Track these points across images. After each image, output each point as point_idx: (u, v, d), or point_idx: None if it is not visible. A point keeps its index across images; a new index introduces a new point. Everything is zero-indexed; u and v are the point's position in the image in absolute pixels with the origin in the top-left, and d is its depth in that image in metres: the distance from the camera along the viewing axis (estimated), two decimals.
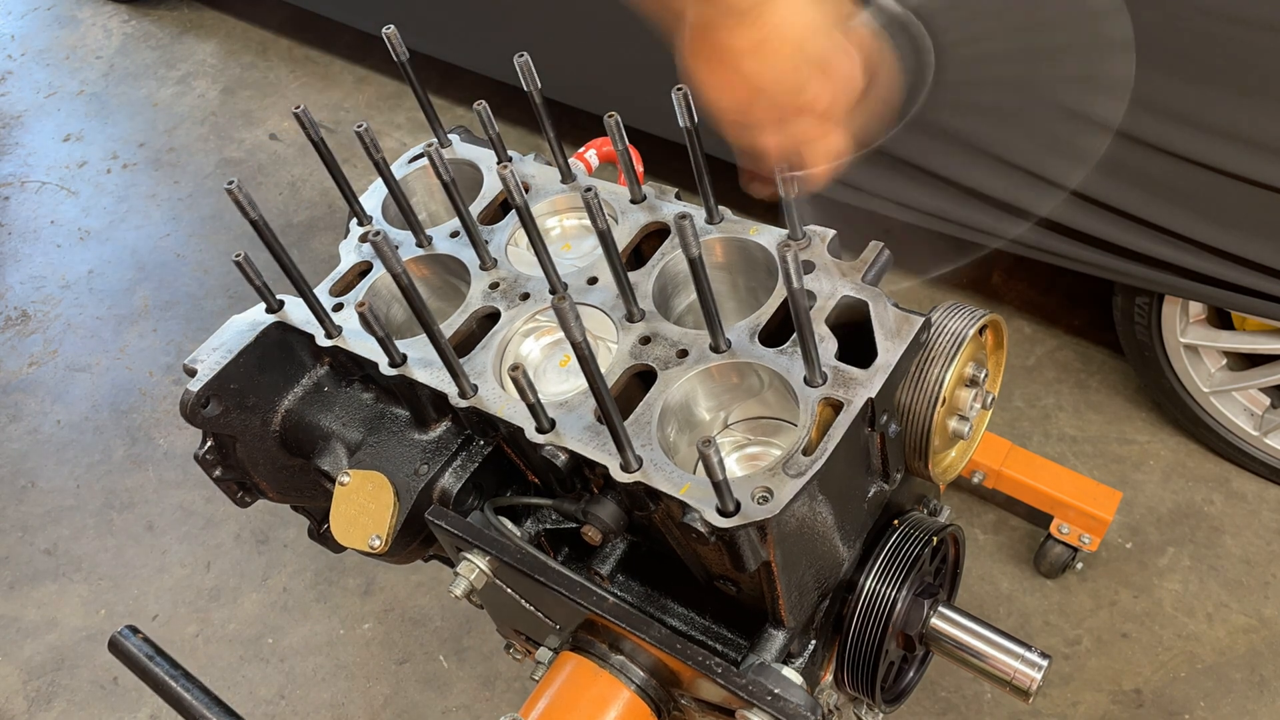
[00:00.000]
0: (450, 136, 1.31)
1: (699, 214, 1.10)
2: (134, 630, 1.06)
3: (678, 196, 1.17)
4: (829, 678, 1.17)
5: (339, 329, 1.11)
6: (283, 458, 1.22)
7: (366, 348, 1.09)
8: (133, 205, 3.46)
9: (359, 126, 1.12)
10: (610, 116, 1.07)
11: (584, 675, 1.01)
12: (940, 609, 1.14)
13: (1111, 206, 1.86)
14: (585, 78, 2.58)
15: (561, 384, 1.07)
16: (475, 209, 1.22)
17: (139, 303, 3.16)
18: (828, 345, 0.95)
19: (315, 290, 1.12)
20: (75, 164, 3.65)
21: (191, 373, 1.11)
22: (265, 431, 1.18)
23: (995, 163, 1.95)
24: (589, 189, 0.93)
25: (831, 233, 1.05)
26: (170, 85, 3.87)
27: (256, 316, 1.15)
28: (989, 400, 1.09)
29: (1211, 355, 2.13)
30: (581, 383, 1.02)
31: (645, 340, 1.01)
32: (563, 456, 0.95)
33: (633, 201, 1.16)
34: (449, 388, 1.02)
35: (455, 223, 1.19)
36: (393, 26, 1.16)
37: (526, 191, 1.21)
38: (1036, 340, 2.59)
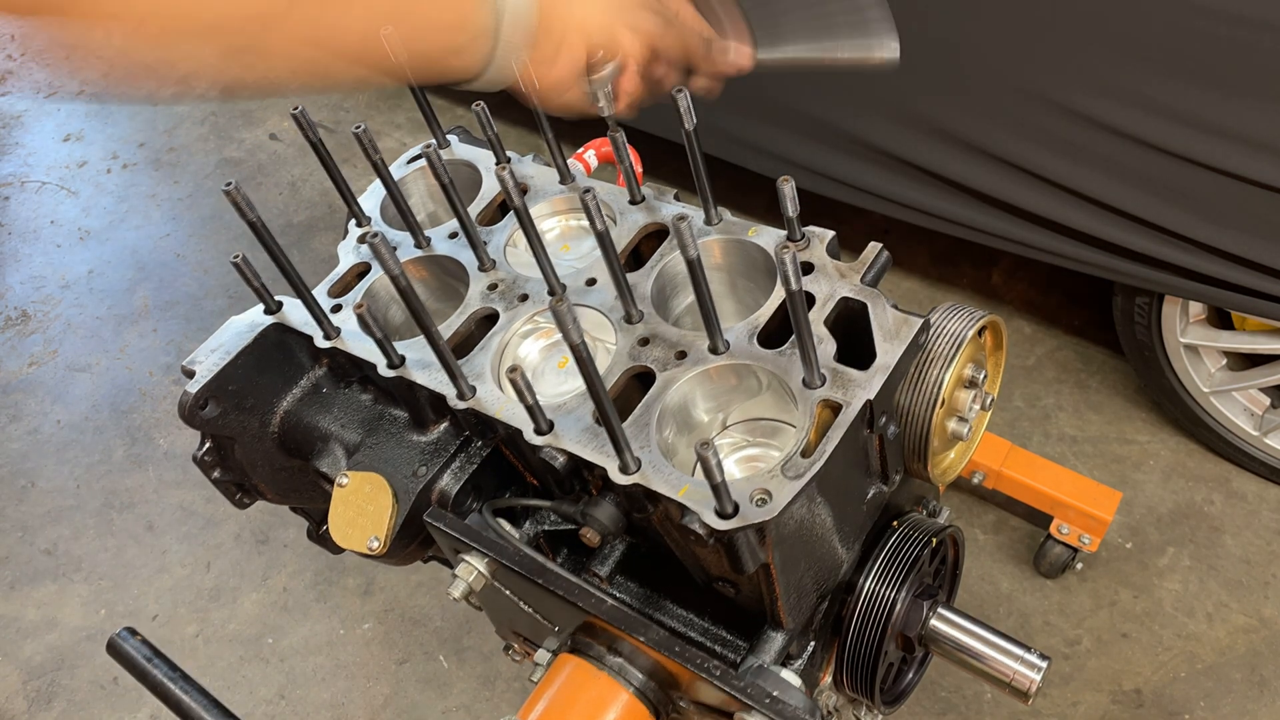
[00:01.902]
0: (449, 137, 1.31)
1: (697, 215, 1.10)
2: (132, 632, 1.06)
3: (676, 197, 1.17)
4: (828, 679, 1.17)
5: (337, 330, 1.11)
6: (281, 459, 1.22)
7: (365, 349, 1.09)
8: (133, 205, 3.46)
9: (357, 127, 1.12)
10: (616, 132, 1.08)
11: (582, 677, 1.01)
12: (940, 610, 1.13)
13: (1111, 206, 1.86)
14: None
15: (560, 385, 1.07)
16: (474, 210, 1.22)
17: (139, 303, 3.16)
18: (826, 347, 0.95)
19: (314, 291, 1.12)
20: (75, 164, 3.65)
21: (190, 374, 1.11)
22: (264, 433, 1.18)
23: (990, 160, 1.95)
24: (587, 190, 0.93)
25: (830, 234, 1.05)
26: (170, 85, 3.86)
27: (255, 318, 1.15)
28: (988, 401, 1.09)
29: (1211, 355, 2.13)
30: (580, 384, 1.02)
31: (644, 342, 1.01)
32: (561, 458, 0.95)
33: (631, 202, 1.16)
34: (447, 389, 1.01)
35: (454, 224, 1.19)
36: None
37: (525, 192, 1.21)
38: (1036, 340, 2.59)
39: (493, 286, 1.12)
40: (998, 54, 1.84)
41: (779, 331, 1.00)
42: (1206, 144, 1.68)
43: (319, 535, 1.35)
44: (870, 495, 1.07)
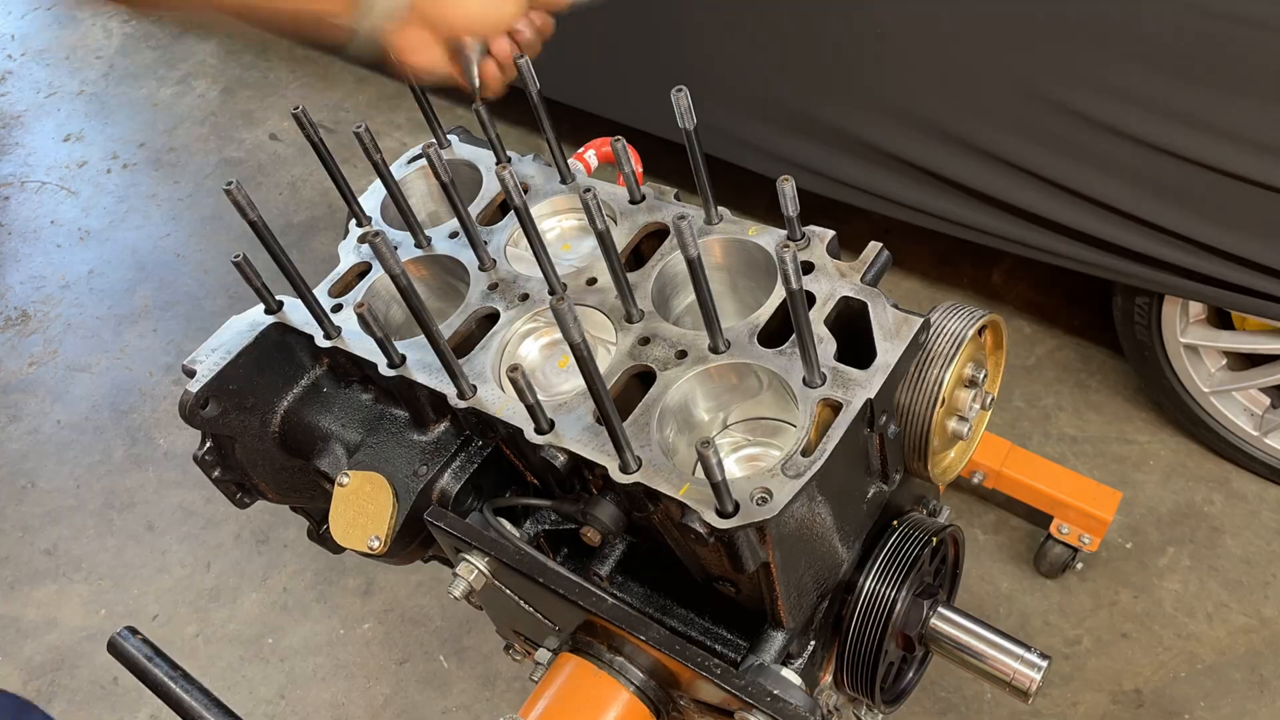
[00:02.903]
0: (449, 137, 1.31)
1: (698, 215, 1.10)
2: (133, 631, 1.06)
3: (677, 197, 1.17)
4: (828, 678, 1.17)
5: (338, 330, 1.11)
6: (282, 459, 1.22)
7: (365, 349, 1.09)
8: (133, 205, 3.46)
9: (358, 127, 1.12)
10: (617, 141, 1.08)
11: (583, 676, 1.01)
12: (940, 609, 1.14)
13: (1111, 206, 1.86)
14: (585, 78, 2.58)
15: (561, 385, 1.07)
16: (475, 209, 1.22)
17: (139, 303, 3.16)
18: (827, 346, 0.95)
19: (314, 291, 1.12)
20: (75, 164, 3.65)
21: (190, 373, 1.11)
22: (264, 432, 1.18)
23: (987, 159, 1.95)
24: (588, 190, 0.93)
25: (831, 233, 1.05)
26: (170, 85, 3.87)
27: (255, 317, 1.15)
28: (988, 401, 1.09)
29: (1211, 355, 2.13)
30: (580, 383, 1.02)
31: (644, 341, 1.01)
32: (561, 457, 0.95)
33: (632, 202, 1.16)
34: (448, 389, 1.02)
35: (454, 223, 1.19)
36: None
37: (525, 192, 1.21)
38: (1036, 340, 2.59)
39: (493, 286, 1.12)
40: (998, 54, 1.84)
41: (779, 331, 1.00)
42: (1206, 144, 1.69)
43: (319, 535, 1.35)
44: (870, 494, 1.07)
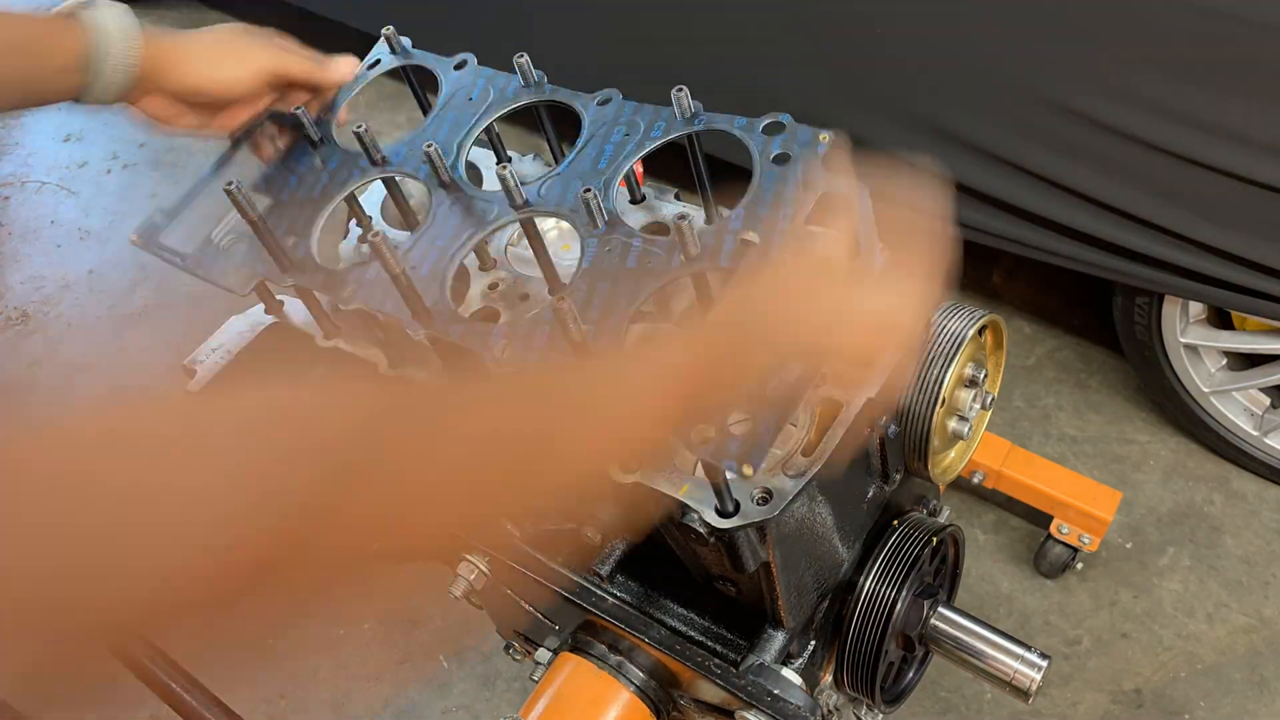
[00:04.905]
0: None
1: (698, 215, 1.10)
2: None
3: (677, 197, 1.17)
4: (828, 678, 1.17)
5: (338, 329, 1.11)
6: None
7: (366, 348, 1.09)
8: (133, 205, 3.46)
9: (358, 127, 1.12)
10: None
11: (583, 676, 1.01)
12: (940, 609, 1.14)
13: (1111, 206, 1.86)
14: (586, 77, 2.57)
15: None
16: None
17: (139, 303, 3.16)
18: None
19: (314, 291, 1.11)
20: (75, 164, 3.65)
21: (191, 373, 1.11)
22: None
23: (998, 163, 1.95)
24: (588, 189, 0.93)
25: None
26: None
27: (255, 317, 1.15)
28: (988, 400, 1.09)
29: (1211, 355, 2.13)
30: None
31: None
32: None
33: (632, 202, 1.16)
34: None
35: None
36: (391, 27, 1.16)
37: None
38: (1036, 340, 2.59)
39: (493, 286, 1.12)
40: (998, 54, 1.84)
41: None
42: (1206, 144, 1.68)
43: None
44: (870, 494, 1.07)
